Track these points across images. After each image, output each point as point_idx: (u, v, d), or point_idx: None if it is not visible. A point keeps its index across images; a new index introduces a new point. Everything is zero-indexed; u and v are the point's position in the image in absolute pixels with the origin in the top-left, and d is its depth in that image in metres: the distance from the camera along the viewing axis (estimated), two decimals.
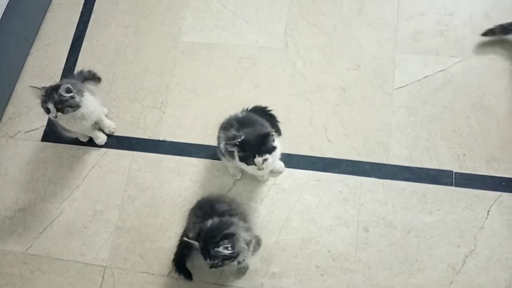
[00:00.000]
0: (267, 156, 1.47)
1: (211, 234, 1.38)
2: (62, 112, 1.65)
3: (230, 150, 1.52)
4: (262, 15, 2.05)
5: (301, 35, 1.98)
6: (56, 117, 1.66)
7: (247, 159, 1.49)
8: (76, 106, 1.67)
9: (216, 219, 1.43)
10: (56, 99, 1.63)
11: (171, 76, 1.99)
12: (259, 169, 1.51)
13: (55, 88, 1.64)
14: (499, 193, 1.64)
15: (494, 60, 1.82)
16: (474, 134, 1.74)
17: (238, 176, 1.79)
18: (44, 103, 1.65)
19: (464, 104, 1.78)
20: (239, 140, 1.48)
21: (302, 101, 1.88)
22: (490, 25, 1.86)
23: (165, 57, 2.03)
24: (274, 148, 1.50)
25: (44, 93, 1.65)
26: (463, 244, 1.60)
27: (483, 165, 1.69)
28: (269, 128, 1.58)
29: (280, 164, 1.77)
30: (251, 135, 1.51)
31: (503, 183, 1.65)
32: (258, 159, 1.46)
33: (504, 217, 1.61)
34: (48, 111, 1.65)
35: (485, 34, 1.84)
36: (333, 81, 1.89)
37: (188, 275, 1.65)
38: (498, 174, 1.67)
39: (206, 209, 1.54)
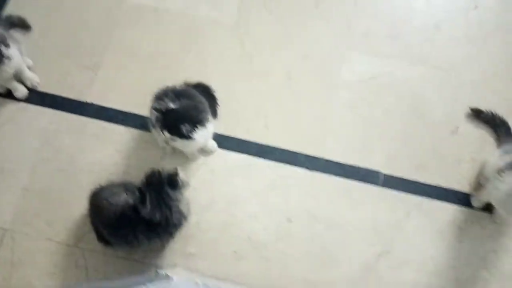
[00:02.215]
0: (176, 138, 1.43)
1: None
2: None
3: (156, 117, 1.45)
4: None
5: (254, 16, 1.91)
6: None
7: (160, 128, 1.45)
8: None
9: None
10: None
11: (110, 37, 1.84)
12: (165, 142, 1.48)
13: None
14: (421, 198, 1.67)
15: (436, 71, 1.86)
16: (408, 139, 1.75)
17: (168, 150, 1.71)
18: None
19: (404, 109, 1.80)
20: (168, 108, 1.42)
21: (246, 84, 1.82)
22: (438, 36, 1.91)
23: (106, 14, 1.88)
24: (187, 137, 1.44)
25: None
26: (379, 243, 1.62)
27: (411, 170, 1.71)
28: (201, 115, 1.49)
29: (212, 144, 1.70)
30: (180, 109, 1.44)
31: (427, 190, 1.68)
32: (166, 135, 1.43)
33: (422, 222, 1.64)
34: None
35: (473, 111, 1.74)
36: (280, 69, 1.84)
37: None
38: (423, 181, 1.70)
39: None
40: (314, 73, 1.84)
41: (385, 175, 1.70)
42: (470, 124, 1.77)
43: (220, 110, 1.74)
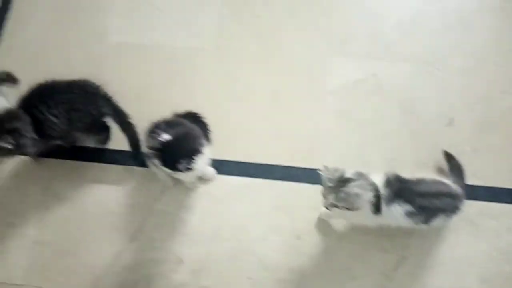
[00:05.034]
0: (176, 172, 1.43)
1: None
2: None
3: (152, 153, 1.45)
4: (192, 14, 1.96)
5: (233, 37, 1.92)
6: None
7: (160, 164, 1.44)
8: None
9: None
10: None
11: (96, 79, 1.85)
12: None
13: None
14: None
15: (421, 65, 1.84)
16: (404, 138, 1.73)
17: (169, 183, 1.69)
18: None
19: (395, 109, 1.78)
20: (164, 142, 1.41)
21: (234, 105, 1.81)
22: (416, 30, 1.90)
23: (91, 58, 1.89)
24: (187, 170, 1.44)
25: None
26: (394, 250, 1.59)
27: (413, 169, 1.66)
28: (196, 143, 1.48)
29: (211, 171, 1.70)
30: (175, 142, 1.44)
31: None
32: (167, 171, 1.43)
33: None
34: None
35: (446, 154, 1.64)
36: (266, 85, 1.84)
37: None
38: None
39: None
40: (300, 85, 1.83)
41: None
42: (465, 113, 1.75)
43: (212, 135, 1.74)
